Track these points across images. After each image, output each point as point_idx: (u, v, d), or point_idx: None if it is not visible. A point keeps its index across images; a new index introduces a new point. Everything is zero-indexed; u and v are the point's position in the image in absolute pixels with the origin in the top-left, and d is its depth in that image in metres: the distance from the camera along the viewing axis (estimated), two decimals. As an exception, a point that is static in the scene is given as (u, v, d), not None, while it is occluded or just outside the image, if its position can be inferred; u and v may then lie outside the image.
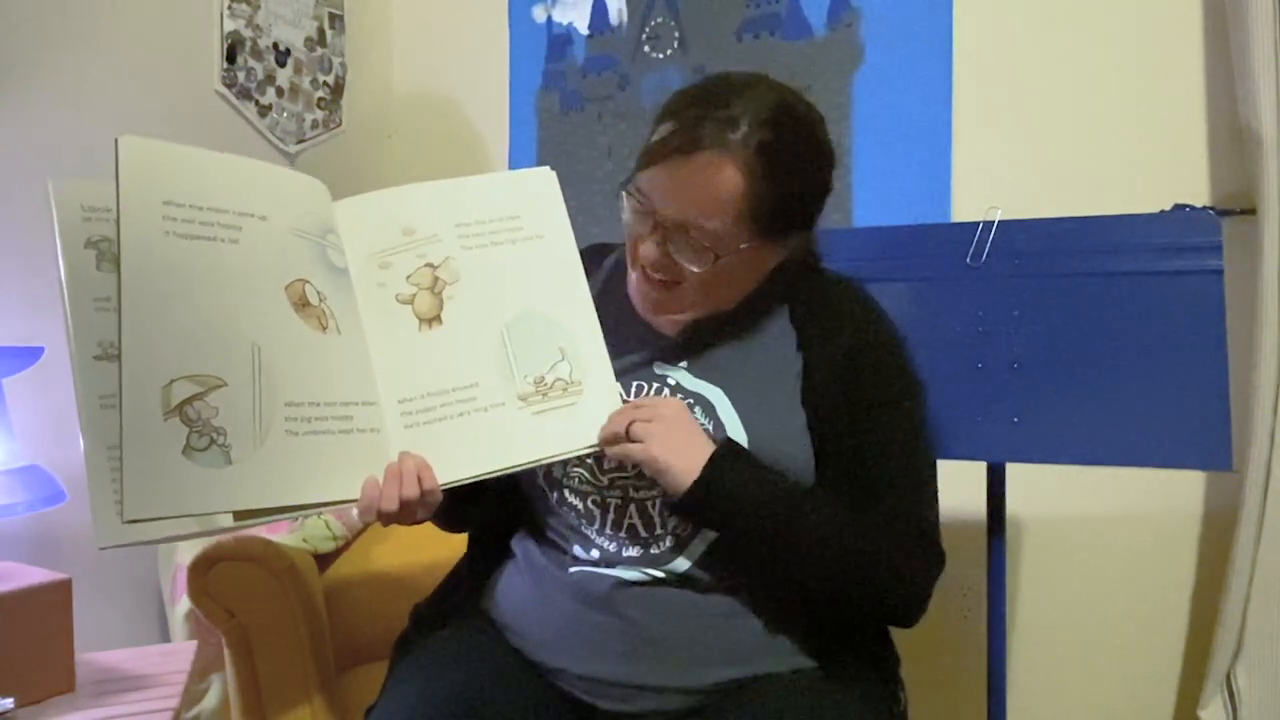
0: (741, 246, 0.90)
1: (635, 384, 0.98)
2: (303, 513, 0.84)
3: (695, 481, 0.86)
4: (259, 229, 0.84)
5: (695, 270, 0.90)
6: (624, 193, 0.94)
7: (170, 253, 0.78)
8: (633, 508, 0.95)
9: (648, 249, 0.92)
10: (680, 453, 0.87)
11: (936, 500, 0.99)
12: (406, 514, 0.84)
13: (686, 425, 0.90)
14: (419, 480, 0.84)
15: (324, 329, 0.85)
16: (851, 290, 1.03)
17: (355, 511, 0.84)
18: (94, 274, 0.80)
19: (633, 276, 0.98)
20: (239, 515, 0.78)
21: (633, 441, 0.88)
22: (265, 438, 0.78)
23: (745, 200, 0.87)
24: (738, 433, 0.93)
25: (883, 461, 0.95)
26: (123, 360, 0.73)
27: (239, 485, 0.76)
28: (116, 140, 0.76)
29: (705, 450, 0.88)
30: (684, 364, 0.99)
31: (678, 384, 0.97)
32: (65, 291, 0.78)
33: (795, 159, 0.90)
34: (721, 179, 0.87)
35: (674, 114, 0.90)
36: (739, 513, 0.88)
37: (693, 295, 0.94)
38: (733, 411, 0.94)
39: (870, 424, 0.95)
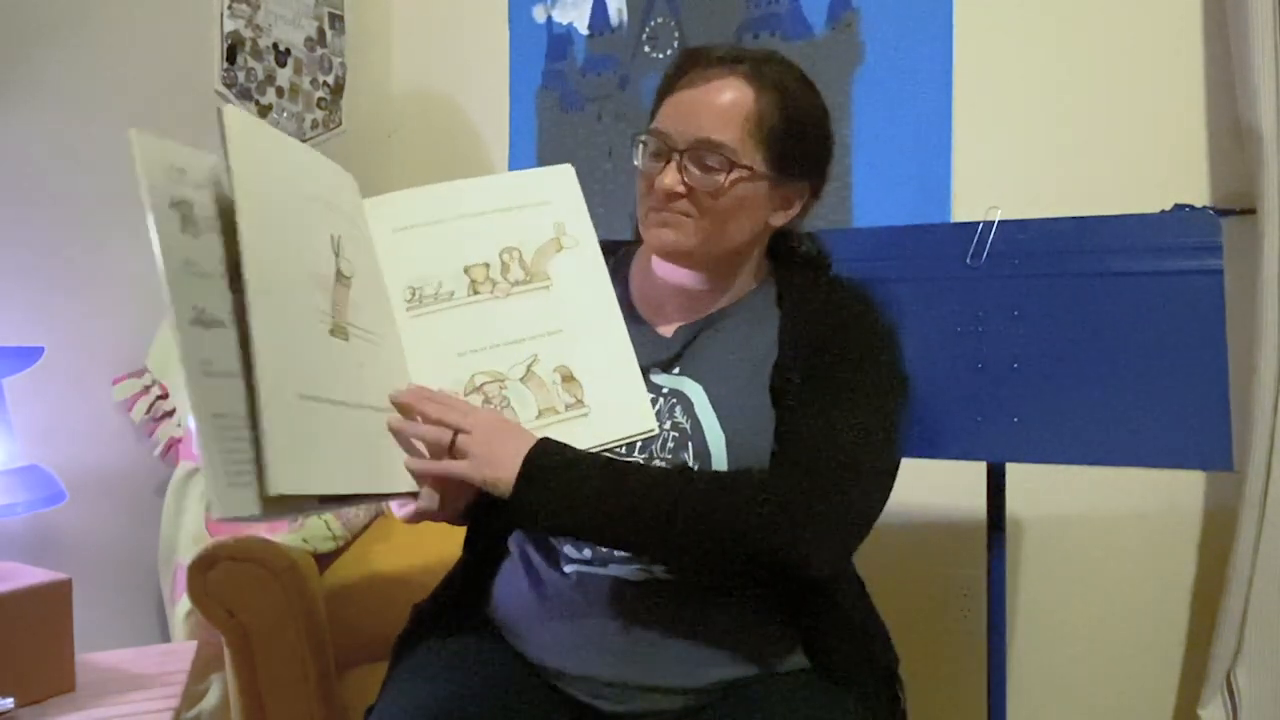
0: (751, 166, 0.92)
1: None
2: (377, 503, 0.85)
3: (512, 501, 0.83)
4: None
5: (709, 193, 0.92)
6: (639, 141, 0.97)
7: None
8: None
9: (665, 176, 0.93)
10: (502, 465, 0.84)
11: (874, 467, 0.90)
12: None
13: (501, 434, 0.85)
14: None
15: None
16: (849, 285, 1.01)
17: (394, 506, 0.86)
18: (180, 237, 0.74)
19: (646, 220, 0.97)
20: (324, 500, 0.76)
21: (456, 458, 0.85)
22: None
23: (753, 114, 0.92)
24: (714, 430, 0.92)
25: (813, 417, 0.89)
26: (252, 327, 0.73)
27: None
28: (221, 110, 0.76)
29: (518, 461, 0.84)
30: (677, 370, 0.98)
31: (670, 390, 0.96)
32: (158, 253, 0.71)
33: (798, 93, 0.96)
34: (729, 91, 0.93)
35: (683, 58, 0.98)
36: (569, 513, 0.84)
37: (698, 224, 0.94)
38: (710, 409, 0.93)
39: (817, 382, 0.92)
